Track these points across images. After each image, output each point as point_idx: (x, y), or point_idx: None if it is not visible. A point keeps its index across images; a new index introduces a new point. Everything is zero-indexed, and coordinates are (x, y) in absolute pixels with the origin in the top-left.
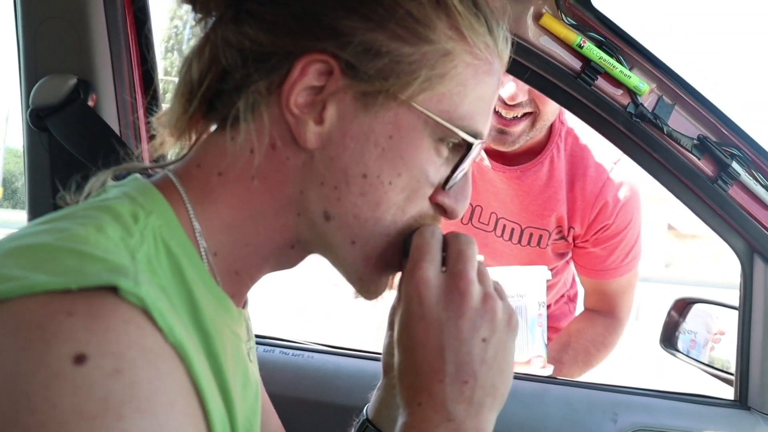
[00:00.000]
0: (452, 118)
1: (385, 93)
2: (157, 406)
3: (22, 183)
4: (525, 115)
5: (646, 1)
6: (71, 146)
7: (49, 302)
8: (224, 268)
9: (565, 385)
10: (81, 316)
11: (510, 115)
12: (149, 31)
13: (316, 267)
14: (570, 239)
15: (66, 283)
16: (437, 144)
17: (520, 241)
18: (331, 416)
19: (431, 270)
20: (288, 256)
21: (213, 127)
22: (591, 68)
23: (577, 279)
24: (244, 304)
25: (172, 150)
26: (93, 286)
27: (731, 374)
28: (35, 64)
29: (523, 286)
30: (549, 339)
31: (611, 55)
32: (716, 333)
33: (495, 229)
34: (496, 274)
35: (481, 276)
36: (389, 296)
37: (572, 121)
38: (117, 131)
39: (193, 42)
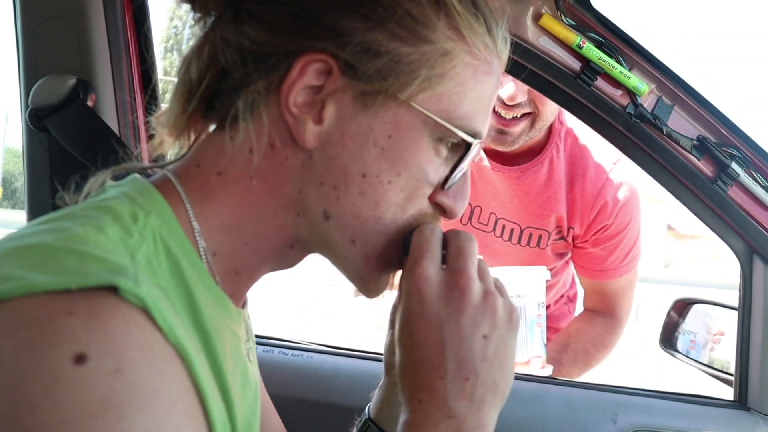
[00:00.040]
0: (451, 117)
1: (384, 93)
2: (158, 405)
3: (21, 183)
4: (524, 115)
5: (645, 2)
6: (70, 146)
7: (49, 302)
8: (223, 267)
9: (564, 385)
10: (81, 315)
11: (509, 115)
12: (148, 30)
13: (316, 267)
14: (569, 239)
15: (66, 283)
16: (436, 144)
17: (519, 242)
18: (330, 416)
19: (431, 267)
20: (287, 255)
21: (212, 127)
22: (590, 69)
23: (577, 279)
24: (244, 304)
25: (171, 150)
26: (93, 286)
27: (731, 375)
28: (34, 64)
29: (523, 287)
30: (548, 339)
31: (611, 56)
32: (716, 333)
33: (494, 229)
34: (495, 274)
35: (482, 273)
36: (390, 295)
37: (572, 121)
38: (116, 131)
39: (192, 42)
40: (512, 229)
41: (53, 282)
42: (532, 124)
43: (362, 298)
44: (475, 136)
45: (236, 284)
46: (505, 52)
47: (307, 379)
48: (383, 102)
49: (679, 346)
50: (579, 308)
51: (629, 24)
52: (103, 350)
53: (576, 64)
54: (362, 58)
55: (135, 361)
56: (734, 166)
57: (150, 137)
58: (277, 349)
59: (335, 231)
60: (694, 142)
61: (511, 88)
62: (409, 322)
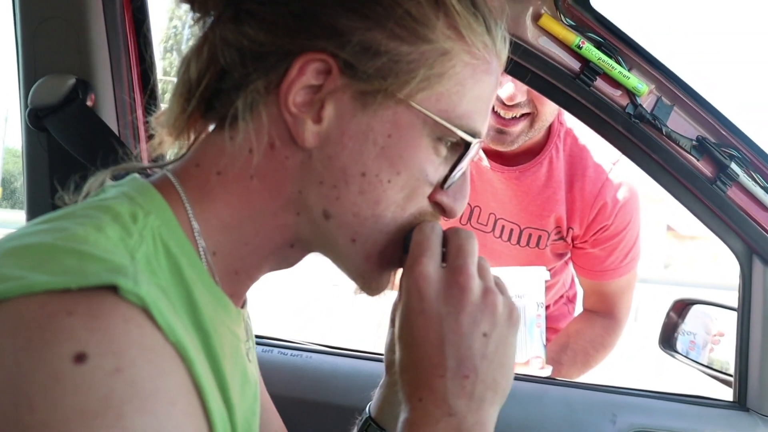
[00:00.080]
0: (450, 117)
1: (383, 92)
2: (158, 404)
3: (20, 183)
4: (523, 115)
5: (644, 2)
6: (70, 146)
7: (49, 302)
8: (223, 267)
9: (563, 385)
10: (81, 315)
11: (509, 115)
12: (148, 30)
13: (316, 267)
14: (569, 240)
15: (66, 283)
16: (436, 143)
17: (518, 242)
18: (329, 416)
19: (431, 265)
20: (287, 255)
21: (211, 127)
22: (590, 69)
23: (576, 280)
24: (243, 304)
25: (170, 150)
26: (92, 286)
27: (730, 375)
28: (34, 64)
29: (522, 287)
30: (548, 340)
31: (610, 56)
32: (715, 334)
33: (494, 229)
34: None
35: (482, 271)
36: (390, 294)
37: (571, 121)
38: (116, 131)
39: (191, 42)
40: (511, 230)
41: (53, 282)
42: (532, 124)
43: (362, 296)
44: (474, 135)
45: (236, 284)
46: (504, 52)
47: (307, 379)
48: (383, 101)
49: (679, 346)
50: (578, 309)
51: (629, 24)
52: (103, 350)
53: (575, 65)
54: (361, 58)
55: (135, 361)
56: (734, 166)
57: (149, 137)
58: (276, 349)
59: (335, 230)
60: (694, 142)
61: (511, 88)
62: (409, 320)
